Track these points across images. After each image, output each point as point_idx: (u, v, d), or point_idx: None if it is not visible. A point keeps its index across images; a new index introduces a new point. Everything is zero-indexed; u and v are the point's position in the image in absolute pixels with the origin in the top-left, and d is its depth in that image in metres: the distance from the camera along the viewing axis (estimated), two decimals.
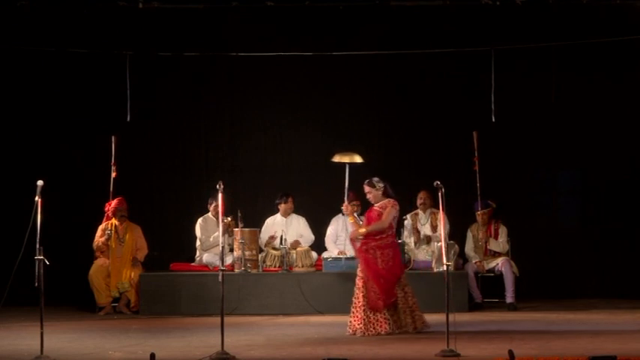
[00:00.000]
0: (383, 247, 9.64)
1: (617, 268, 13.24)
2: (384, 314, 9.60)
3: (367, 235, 9.71)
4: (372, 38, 13.47)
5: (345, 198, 10.51)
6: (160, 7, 13.17)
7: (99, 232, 12.29)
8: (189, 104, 13.69)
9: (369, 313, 9.59)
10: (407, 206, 12.74)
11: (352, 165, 11.18)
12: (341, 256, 12.03)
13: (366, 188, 9.85)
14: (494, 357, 7.89)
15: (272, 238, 12.35)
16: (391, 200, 9.75)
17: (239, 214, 11.96)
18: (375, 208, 9.78)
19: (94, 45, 13.22)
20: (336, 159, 11.67)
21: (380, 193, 9.77)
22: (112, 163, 12.48)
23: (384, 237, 9.65)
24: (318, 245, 12.59)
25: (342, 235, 12.40)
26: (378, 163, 13.59)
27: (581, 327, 10.28)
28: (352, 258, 11.62)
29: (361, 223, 10.18)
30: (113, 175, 12.45)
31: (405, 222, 12.60)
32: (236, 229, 11.97)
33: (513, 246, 12.58)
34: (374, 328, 9.57)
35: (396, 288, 9.69)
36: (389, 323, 9.57)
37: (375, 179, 9.85)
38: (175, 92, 13.62)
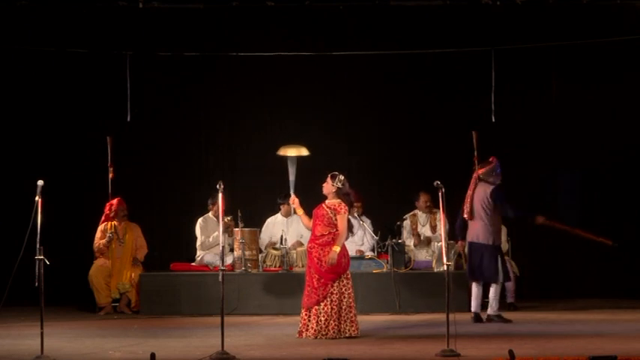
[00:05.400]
0: (324, 245, 9.57)
1: (617, 268, 13.24)
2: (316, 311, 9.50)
3: (312, 235, 9.64)
4: (372, 38, 13.47)
5: (292, 191, 10.37)
6: (160, 7, 13.20)
7: (98, 234, 12.27)
8: (189, 104, 13.69)
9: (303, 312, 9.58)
10: (406, 207, 12.77)
11: (300, 158, 11.12)
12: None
13: (327, 179, 9.74)
14: (494, 357, 7.89)
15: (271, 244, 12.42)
16: (341, 204, 9.61)
17: (239, 214, 11.96)
18: (323, 206, 9.66)
19: (94, 45, 13.24)
20: (281, 152, 11.64)
21: (334, 190, 9.66)
22: (109, 165, 12.47)
23: (326, 235, 9.59)
24: None
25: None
26: (379, 163, 13.63)
27: (581, 327, 10.28)
28: (354, 258, 11.62)
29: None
30: (110, 176, 12.44)
31: (404, 223, 12.61)
32: (236, 229, 11.97)
33: (513, 246, 12.57)
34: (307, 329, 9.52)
35: (333, 286, 9.56)
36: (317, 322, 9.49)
37: (340, 177, 9.69)
38: (175, 92, 13.62)
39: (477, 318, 10.83)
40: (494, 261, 10.79)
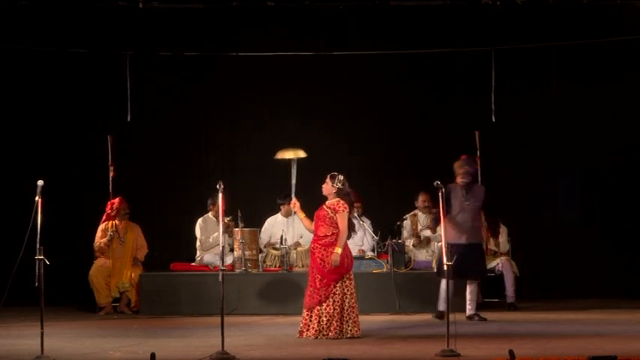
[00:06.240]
0: (327, 246, 9.55)
1: (616, 268, 13.24)
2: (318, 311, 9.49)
3: (315, 235, 9.63)
4: (372, 38, 13.47)
5: (293, 194, 10.35)
6: (160, 7, 13.20)
7: (99, 233, 12.28)
8: (189, 104, 13.69)
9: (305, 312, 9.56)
10: (406, 207, 12.76)
11: (299, 160, 11.11)
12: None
13: (327, 179, 9.73)
14: (494, 357, 7.89)
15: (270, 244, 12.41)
16: (340, 202, 9.60)
17: (239, 214, 11.97)
18: (324, 207, 9.64)
19: (93, 45, 13.24)
20: (279, 156, 11.61)
21: (334, 190, 9.64)
22: (110, 164, 12.48)
23: (329, 235, 9.58)
24: None
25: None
26: (379, 163, 13.63)
27: (581, 327, 10.28)
28: (354, 257, 11.61)
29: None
30: (111, 175, 12.45)
31: (404, 223, 12.61)
32: (236, 229, 11.98)
33: (513, 246, 12.57)
34: (307, 329, 9.50)
35: (336, 286, 9.54)
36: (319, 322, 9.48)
37: (340, 177, 9.66)
38: (175, 92, 13.62)
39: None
40: (459, 259, 10.78)
